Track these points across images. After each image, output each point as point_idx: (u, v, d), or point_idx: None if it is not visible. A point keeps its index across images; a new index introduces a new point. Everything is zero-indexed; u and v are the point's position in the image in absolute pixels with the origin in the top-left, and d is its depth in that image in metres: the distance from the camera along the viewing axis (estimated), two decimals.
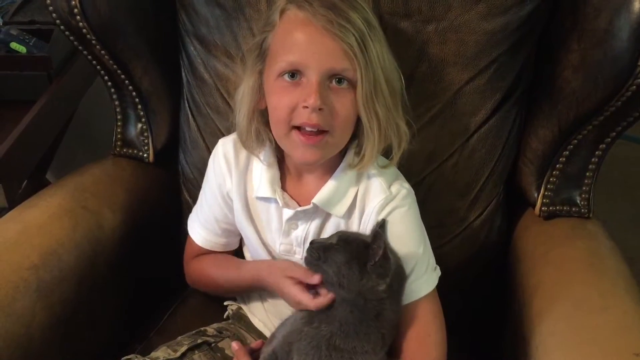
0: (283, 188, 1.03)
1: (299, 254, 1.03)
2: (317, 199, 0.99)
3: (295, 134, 0.93)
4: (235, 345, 1.01)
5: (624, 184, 2.42)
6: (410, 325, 0.97)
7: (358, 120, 0.95)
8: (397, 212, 0.99)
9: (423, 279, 0.99)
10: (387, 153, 1.01)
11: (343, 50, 0.89)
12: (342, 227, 1.01)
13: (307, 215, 1.01)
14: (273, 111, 0.95)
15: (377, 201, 0.98)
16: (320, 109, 0.89)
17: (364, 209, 1.00)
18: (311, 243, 0.94)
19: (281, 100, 0.92)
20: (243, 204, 1.06)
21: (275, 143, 1.01)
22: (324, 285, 0.93)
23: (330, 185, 0.99)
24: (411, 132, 0.99)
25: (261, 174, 1.03)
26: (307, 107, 0.89)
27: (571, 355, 0.87)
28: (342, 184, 1.00)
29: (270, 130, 0.99)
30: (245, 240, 1.12)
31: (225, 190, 1.07)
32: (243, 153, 1.06)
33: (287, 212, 1.02)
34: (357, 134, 0.98)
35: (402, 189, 1.00)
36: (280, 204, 1.01)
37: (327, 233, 1.01)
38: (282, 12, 0.93)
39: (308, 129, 0.91)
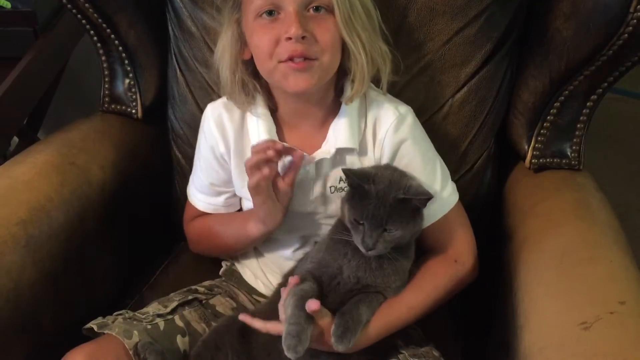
0: (281, 139, 1.03)
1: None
2: (340, 142, 0.99)
3: (283, 65, 0.93)
4: (313, 305, 0.89)
5: (619, 139, 2.41)
6: (448, 233, 1.03)
7: (344, 54, 0.96)
8: (409, 139, 1.01)
9: (448, 190, 1.03)
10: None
11: None
12: (356, 164, 1.01)
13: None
14: (256, 50, 0.95)
15: (389, 122, 1.00)
16: (303, 37, 0.90)
17: (376, 135, 1.01)
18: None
19: (263, 38, 0.93)
20: (241, 164, 1.04)
21: (267, 92, 1.01)
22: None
23: (342, 124, 1.00)
24: (395, 59, 1.01)
25: (257, 127, 1.02)
26: (290, 38, 0.90)
27: (558, 304, 0.88)
28: (352, 118, 1.00)
29: (257, 80, 0.99)
30: (247, 201, 1.10)
31: (219, 152, 1.06)
32: (236, 113, 1.05)
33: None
34: (345, 68, 0.98)
35: (409, 113, 1.03)
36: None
37: (336, 171, 1.02)
38: None
39: (296, 59, 0.91)
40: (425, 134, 1.05)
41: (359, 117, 1.01)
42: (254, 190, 0.96)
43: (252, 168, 0.94)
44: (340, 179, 1.02)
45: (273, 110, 1.03)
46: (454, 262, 1.01)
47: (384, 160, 1.01)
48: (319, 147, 1.01)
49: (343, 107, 1.00)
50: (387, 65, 1.00)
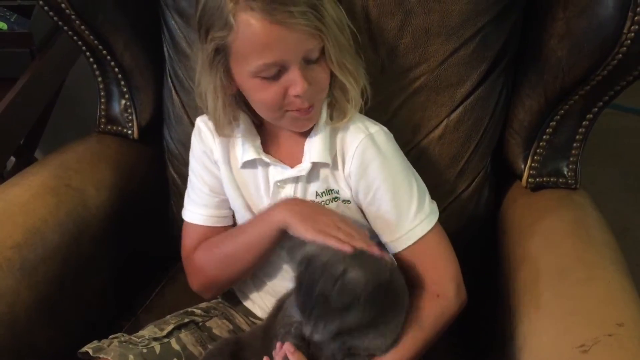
0: (265, 151, 1.04)
1: None
2: (314, 157, 0.99)
3: (290, 113, 0.95)
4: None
5: (618, 154, 2.41)
6: (426, 258, 1.00)
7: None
8: (379, 160, 0.99)
9: (425, 212, 1.00)
10: None
11: (308, 32, 0.89)
12: (329, 177, 1.01)
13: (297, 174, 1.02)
14: (261, 106, 0.97)
15: (357, 142, 0.99)
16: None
17: (345, 152, 1.01)
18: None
19: (267, 95, 0.93)
20: (229, 174, 1.06)
21: (251, 111, 1.02)
22: None
23: (316, 139, 1.00)
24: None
25: (243, 142, 1.03)
26: (298, 96, 0.92)
27: (556, 326, 0.87)
28: (326, 133, 1.00)
29: (240, 105, 1.00)
30: (234, 212, 1.11)
31: (213, 159, 1.07)
32: None
33: (274, 174, 1.02)
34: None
35: (381, 130, 1.02)
36: (269, 161, 1.02)
37: (314, 185, 1.02)
38: (235, 14, 0.88)
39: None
40: (400, 154, 1.03)
41: (331, 133, 1.01)
42: (319, 233, 0.91)
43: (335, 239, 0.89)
44: (317, 194, 1.02)
45: (258, 125, 1.05)
46: (437, 298, 0.98)
47: (353, 178, 1.00)
48: (300, 162, 1.02)
49: (321, 123, 1.01)
50: (364, 78, 1.01)
